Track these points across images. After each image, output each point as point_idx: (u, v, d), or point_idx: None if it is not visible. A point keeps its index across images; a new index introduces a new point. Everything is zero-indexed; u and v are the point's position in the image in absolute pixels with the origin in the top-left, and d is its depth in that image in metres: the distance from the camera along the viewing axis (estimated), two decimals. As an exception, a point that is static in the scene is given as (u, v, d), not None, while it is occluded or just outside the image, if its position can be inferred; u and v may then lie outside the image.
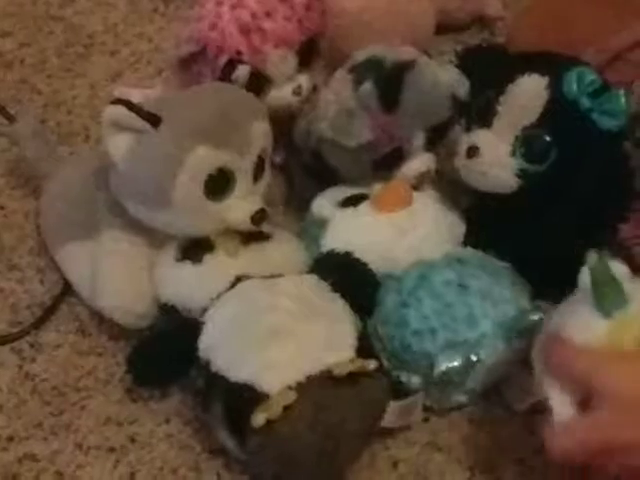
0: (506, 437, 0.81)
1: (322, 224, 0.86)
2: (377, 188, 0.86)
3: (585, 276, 0.66)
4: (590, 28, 0.94)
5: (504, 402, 0.81)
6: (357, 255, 0.81)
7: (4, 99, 1.05)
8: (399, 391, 0.79)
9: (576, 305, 0.67)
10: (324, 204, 0.87)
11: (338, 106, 0.83)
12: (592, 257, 0.65)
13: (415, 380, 0.79)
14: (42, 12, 1.17)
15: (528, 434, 0.80)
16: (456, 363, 0.78)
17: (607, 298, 0.65)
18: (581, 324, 0.66)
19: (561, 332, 0.66)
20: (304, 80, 0.92)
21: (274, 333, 0.74)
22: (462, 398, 0.81)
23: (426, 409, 0.81)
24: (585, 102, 0.78)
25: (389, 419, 0.77)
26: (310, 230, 0.87)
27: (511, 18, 1.11)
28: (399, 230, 0.84)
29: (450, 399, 0.81)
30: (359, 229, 0.85)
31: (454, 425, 0.82)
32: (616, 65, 0.92)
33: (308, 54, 0.91)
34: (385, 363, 0.79)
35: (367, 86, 0.83)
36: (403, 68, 0.83)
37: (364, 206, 0.85)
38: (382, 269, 0.82)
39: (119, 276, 0.83)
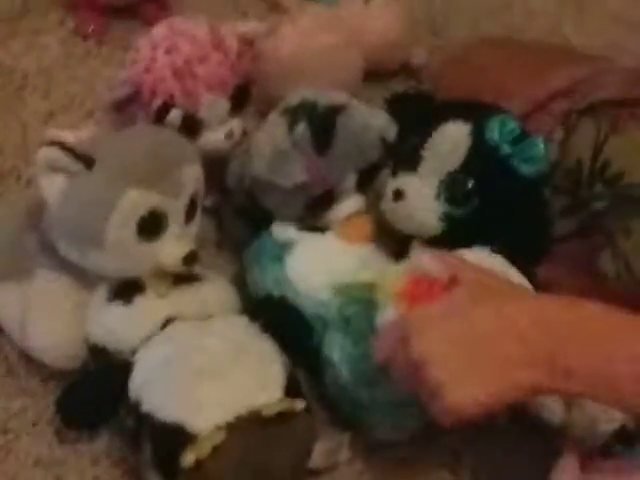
0: (429, 477, 0.82)
1: (287, 245, 0.87)
2: (341, 220, 0.88)
3: None
4: (514, 78, 0.98)
5: (428, 441, 0.83)
6: (319, 278, 0.84)
7: None
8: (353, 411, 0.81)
9: None
10: (287, 227, 0.89)
11: (273, 147, 0.85)
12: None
13: (379, 396, 0.79)
14: (-25, 53, 1.17)
15: (451, 474, 0.83)
16: None
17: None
18: None
19: None
20: (236, 124, 0.93)
21: (203, 374, 0.75)
22: (414, 426, 0.82)
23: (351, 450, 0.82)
24: (506, 148, 0.81)
25: (316, 460, 0.79)
26: (271, 251, 0.88)
27: (436, 67, 1.14)
28: (363, 261, 0.86)
29: (406, 425, 0.82)
30: (325, 254, 0.87)
31: (376, 466, 0.83)
32: (538, 115, 0.94)
33: (240, 99, 0.93)
34: (348, 378, 0.80)
35: (300, 128, 0.85)
36: (335, 111, 0.86)
37: (329, 233, 0.88)
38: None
39: (49, 317, 0.84)
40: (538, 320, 0.66)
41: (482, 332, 0.66)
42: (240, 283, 0.90)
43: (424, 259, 0.74)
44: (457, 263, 0.74)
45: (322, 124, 0.85)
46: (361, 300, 0.79)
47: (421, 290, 0.73)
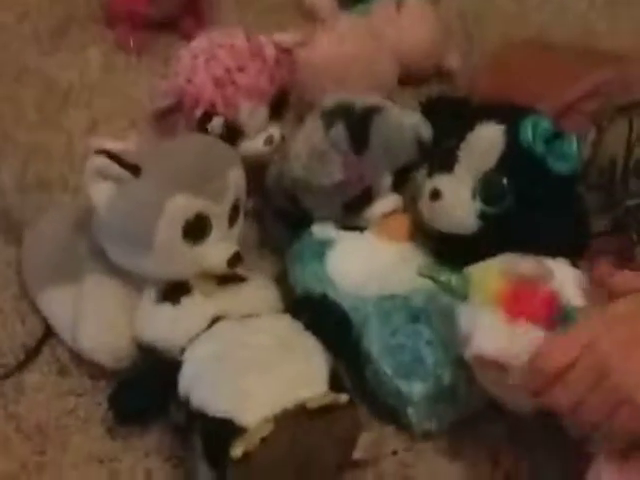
0: (471, 467, 0.84)
1: (327, 243, 0.90)
2: (381, 218, 0.91)
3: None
4: (546, 81, 0.99)
5: (468, 433, 0.85)
6: (358, 275, 0.87)
7: None
8: (395, 404, 0.83)
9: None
10: (327, 227, 0.91)
11: (311, 149, 0.88)
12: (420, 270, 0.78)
13: (418, 388, 0.82)
14: (21, 68, 1.20)
15: (492, 465, 0.84)
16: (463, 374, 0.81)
17: (448, 290, 0.76)
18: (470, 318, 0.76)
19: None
20: (275, 131, 0.96)
21: (250, 369, 0.78)
22: (453, 417, 0.84)
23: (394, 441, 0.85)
24: (539, 148, 0.83)
25: (360, 451, 0.80)
26: (312, 250, 0.91)
27: (469, 71, 1.16)
28: (400, 258, 0.88)
29: (444, 417, 0.84)
30: (363, 251, 0.90)
31: (421, 457, 0.85)
32: (570, 115, 0.96)
33: (278, 106, 0.96)
34: (387, 371, 0.83)
35: (338, 129, 0.87)
36: (371, 112, 0.88)
37: (368, 232, 0.90)
38: (378, 291, 0.86)
39: (100, 319, 0.86)
40: None
41: None
42: (282, 282, 0.92)
43: (525, 264, 0.75)
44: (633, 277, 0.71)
45: (358, 124, 0.88)
46: (441, 285, 0.78)
47: (523, 298, 0.74)
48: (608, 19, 1.28)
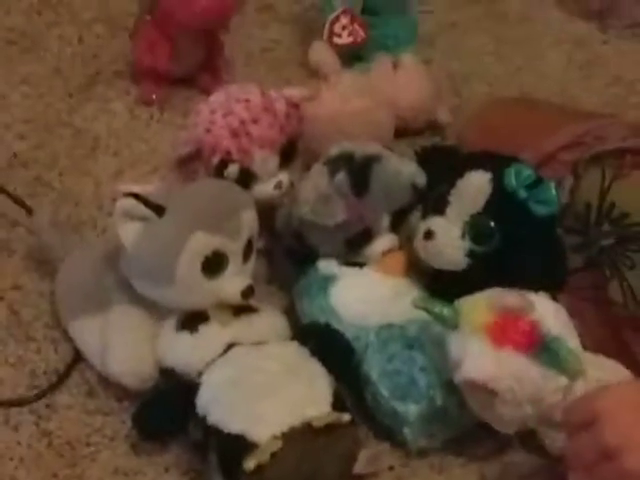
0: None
1: (330, 278, 0.92)
2: (379, 255, 0.93)
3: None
4: (528, 133, 1.01)
5: (459, 450, 0.87)
6: (359, 307, 0.89)
7: (21, 194, 1.10)
8: (392, 424, 0.85)
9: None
10: (331, 263, 0.94)
11: (317, 192, 0.90)
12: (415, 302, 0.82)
13: (413, 409, 0.84)
14: (53, 118, 1.22)
15: (479, 478, 0.86)
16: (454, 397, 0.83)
17: (440, 320, 0.80)
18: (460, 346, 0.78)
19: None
20: (284, 177, 0.98)
21: (262, 391, 0.80)
22: (446, 436, 0.86)
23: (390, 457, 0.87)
24: (522, 193, 0.85)
25: (360, 466, 0.82)
26: (317, 284, 0.93)
27: (459, 124, 1.18)
28: (397, 292, 0.91)
29: (437, 436, 0.86)
30: (364, 285, 0.92)
31: (416, 472, 0.86)
32: (550, 165, 0.98)
33: (288, 155, 0.98)
34: (384, 393, 0.85)
35: (341, 176, 0.90)
36: (371, 160, 0.91)
37: (368, 268, 0.93)
38: (377, 321, 0.89)
39: (126, 345, 0.88)
40: None
41: None
42: (289, 315, 0.94)
43: (509, 297, 0.78)
44: None
45: (359, 171, 0.90)
46: (434, 315, 0.81)
47: (508, 328, 0.77)
48: (582, 81, 1.31)
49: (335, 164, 0.92)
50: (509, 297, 0.79)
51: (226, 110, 0.95)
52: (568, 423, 0.72)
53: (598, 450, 0.67)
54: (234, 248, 0.86)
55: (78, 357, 0.94)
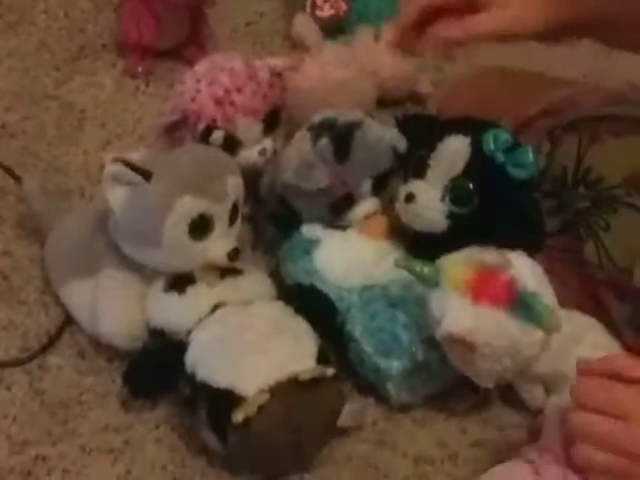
0: (443, 434, 0.89)
1: (314, 242, 0.94)
2: (362, 219, 0.95)
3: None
4: (507, 101, 1.03)
5: (441, 405, 0.90)
6: (343, 269, 0.91)
7: (11, 164, 1.11)
8: (375, 379, 0.87)
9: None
10: (315, 227, 0.95)
11: (300, 158, 0.92)
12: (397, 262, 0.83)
13: (395, 365, 0.86)
14: (40, 91, 1.23)
15: (461, 432, 0.89)
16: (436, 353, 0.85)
17: (421, 278, 0.81)
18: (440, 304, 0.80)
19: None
20: (268, 143, 1.00)
21: (249, 347, 0.82)
22: (427, 391, 0.88)
23: (374, 412, 0.89)
24: (500, 157, 0.87)
25: (344, 419, 0.85)
26: (301, 247, 0.95)
27: (439, 95, 1.19)
28: (379, 254, 0.93)
29: (419, 391, 0.88)
30: (347, 248, 0.94)
31: (398, 425, 0.89)
32: (527, 131, 1.00)
33: (271, 122, 1.00)
34: (368, 349, 0.87)
35: (324, 141, 0.92)
36: (353, 126, 0.93)
37: (351, 231, 0.95)
38: (360, 283, 0.90)
39: (115, 306, 0.90)
40: None
41: None
42: (274, 278, 0.96)
43: (487, 255, 0.80)
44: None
45: (342, 137, 0.92)
46: (416, 274, 0.83)
47: (486, 284, 0.79)
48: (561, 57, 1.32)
49: (318, 130, 0.93)
50: (487, 255, 0.81)
51: (211, 79, 0.97)
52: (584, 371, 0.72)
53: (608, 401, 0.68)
54: (220, 211, 0.87)
55: (69, 320, 0.96)
